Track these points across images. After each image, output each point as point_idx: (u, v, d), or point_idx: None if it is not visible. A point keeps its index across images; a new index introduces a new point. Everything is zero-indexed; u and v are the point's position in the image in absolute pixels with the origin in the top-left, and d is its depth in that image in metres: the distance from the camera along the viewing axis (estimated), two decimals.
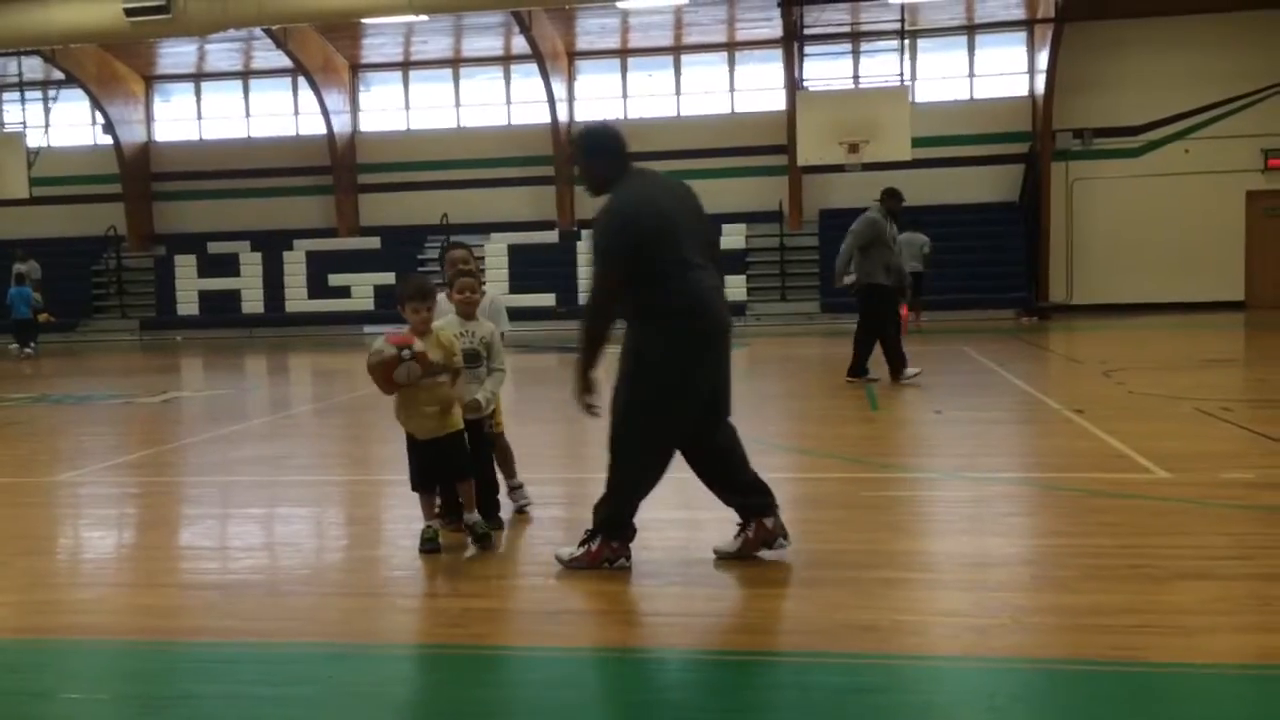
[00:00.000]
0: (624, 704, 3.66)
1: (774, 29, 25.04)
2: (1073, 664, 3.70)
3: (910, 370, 11.61)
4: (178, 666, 4.03)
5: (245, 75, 28.28)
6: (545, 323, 24.11)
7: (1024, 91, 25.17)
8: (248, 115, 28.51)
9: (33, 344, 20.54)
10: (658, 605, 4.57)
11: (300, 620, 4.43)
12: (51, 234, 27.66)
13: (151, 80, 28.69)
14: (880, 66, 24.08)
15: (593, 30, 25.88)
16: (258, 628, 4.34)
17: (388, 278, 25.37)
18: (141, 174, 28.46)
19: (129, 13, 20.50)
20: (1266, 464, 7.04)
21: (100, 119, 27.84)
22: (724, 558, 4.98)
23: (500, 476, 5.96)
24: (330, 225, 27.52)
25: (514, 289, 25.08)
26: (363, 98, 28.12)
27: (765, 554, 4.95)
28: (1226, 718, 3.44)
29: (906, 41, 23.23)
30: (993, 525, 5.76)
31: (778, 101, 25.65)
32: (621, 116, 26.64)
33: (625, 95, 26.86)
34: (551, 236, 26.21)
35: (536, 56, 25.29)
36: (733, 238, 24.36)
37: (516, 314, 25.54)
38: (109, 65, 27.24)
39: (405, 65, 27.61)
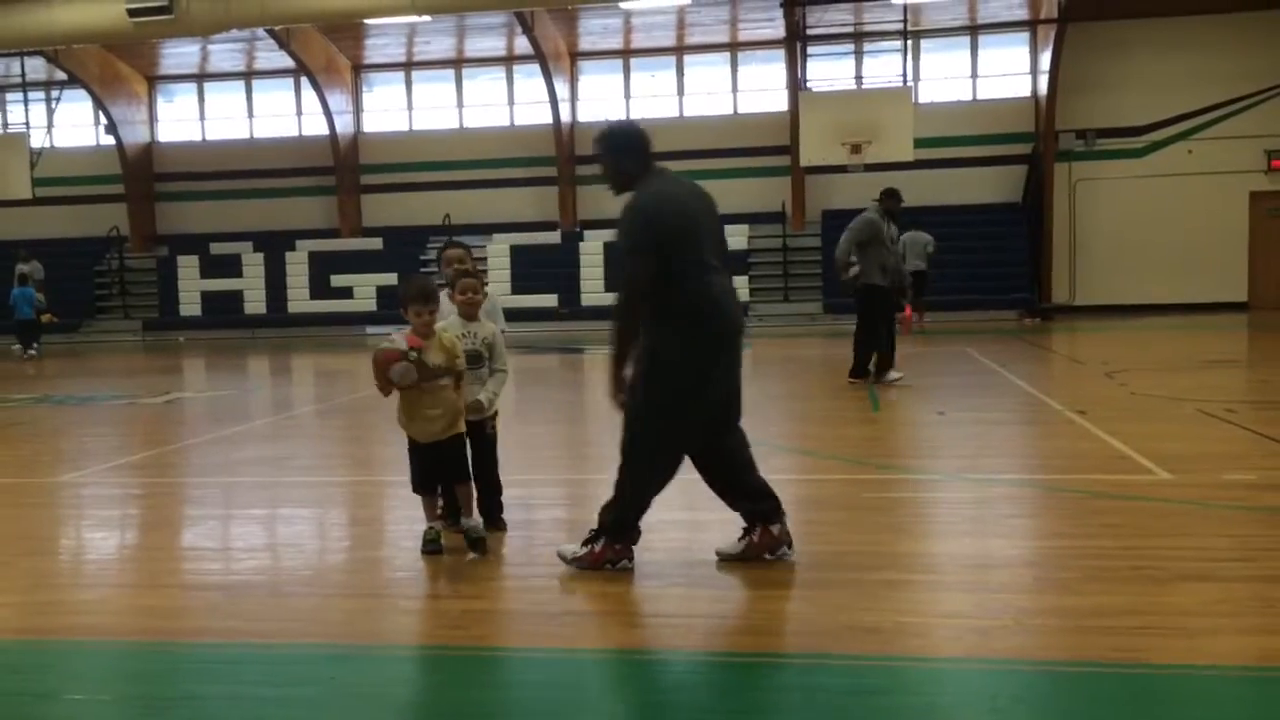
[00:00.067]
0: (626, 706, 3.66)
1: (776, 29, 25.05)
2: (1075, 666, 3.70)
3: (894, 373, 11.58)
4: (180, 667, 4.04)
5: (248, 76, 28.30)
6: (547, 323, 24.16)
7: (1027, 92, 25.17)
8: (250, 116, 28.54)
9: (35, 345, 20.55)
10: (660, 606, 4.57)
11: (303, 621, 4.43)
12: (54, 234, 27.70)
13: (154, 81, 28.72)
14: (883, 67, 24.08)
15: (595, 31, 25.89)
16: (260, 629, 4.35)
17: (390, 278, 25.39)
18: (144, 174, 28.49)
19: (132, 13, 20.53)
20: (1269, 465, 7.04)
21: (103, 119, 27.86)
22: (726, 559, 4.98)
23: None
24: (333, 226, 27.54)
25: (516, 290, 25.12)
26: (365, 98, 28.14)
27: (766, 556, 4.95)
28: (1228, 719, 3.45)
29: (909, 42, 23.23)
30: (995, 527, 5.76)
31: (780, 102, 25.66)
32: (624, 117, 26.65)
33: (628, 96, 26.87)
34: (554, 237, 26.22)
35: (539, 57, 25.30)
36: (735, 238, 24.33)
37: (519, 315, 25.76)
38: (112, 66, 27.27)
39: (408, 66, 27.63)
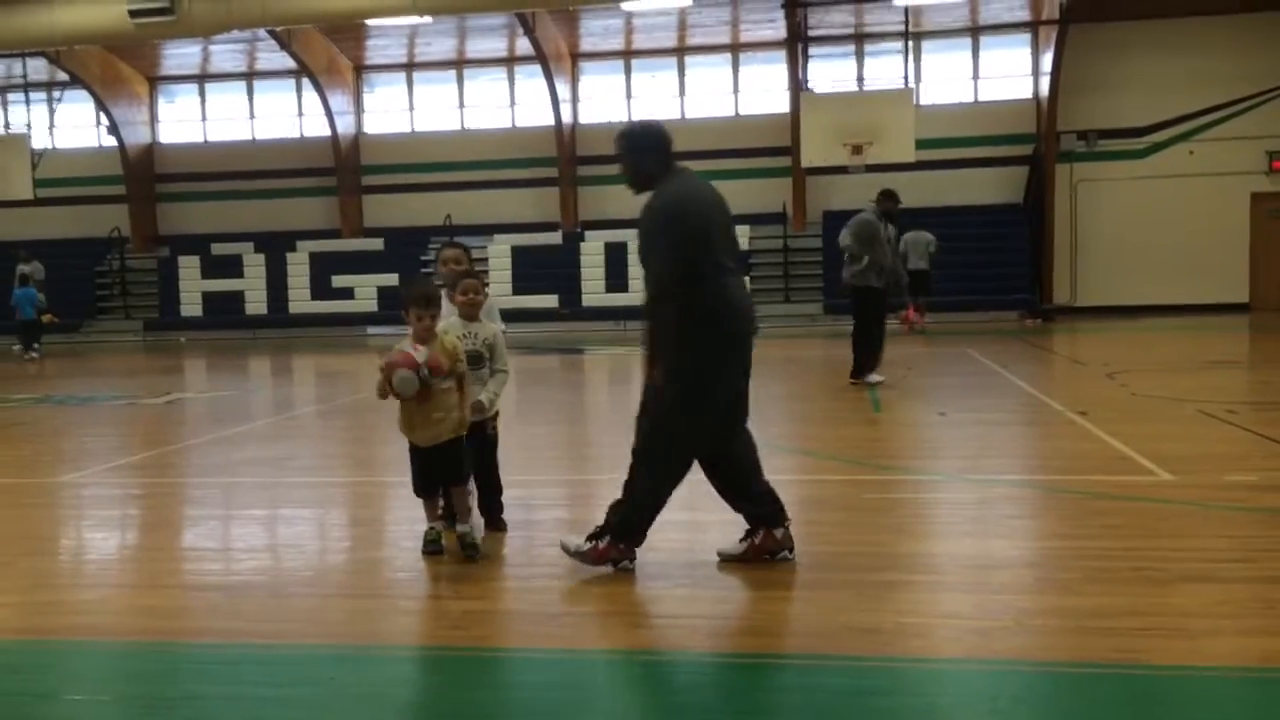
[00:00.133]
0: (626, 706, 3.66)
1: (778, 31, 25.05)
2: (1075, 666, 3.70)
3: (875, 376, 11.56)
4: (180, 667, 4.04)
5: (249, 76, 28.30)
6: (548, 324, 24.17)
7: (1028, 93, 25.16)
8: (252, 116, 28.54)
9: (37, 346, 20.55)
10: (660, 607, 4.57)
11: (303, 622, 4.43)
12: (55, 235, 27.70)
13: (155, 81, 28.73)
14: (884, 68, 24.08)
15: (596, 32, 25.89)
16: (260, 629, 4.35)
17: (391, 279, 25.40)
18: (145, 175, 28.50)
19: (133, 14, 20.53)
20: (1270, 466, 7.03)
21: (104, 120, 27.87)
22: (727, 560, 4.97)
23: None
24: (334, 226, 27.55)
25: (517, 290, 25.12)
26: (367, 99, 28.14)
27: (766, 558, 4.95)
28: None
29: (910, 43, 23.23)
30: (996, 527, 5.76)
31: (781, 103, 25.65)
32: (625, 118, 26.65)
33: (629, 97, 26.87)
34: (555, 238, 26.22)
35: (540, 58, 25.30)
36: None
37: (520, 316, 25.66)
38: (113, 66, 27.28)
39: (409, 67, 27.63)
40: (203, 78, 28.55)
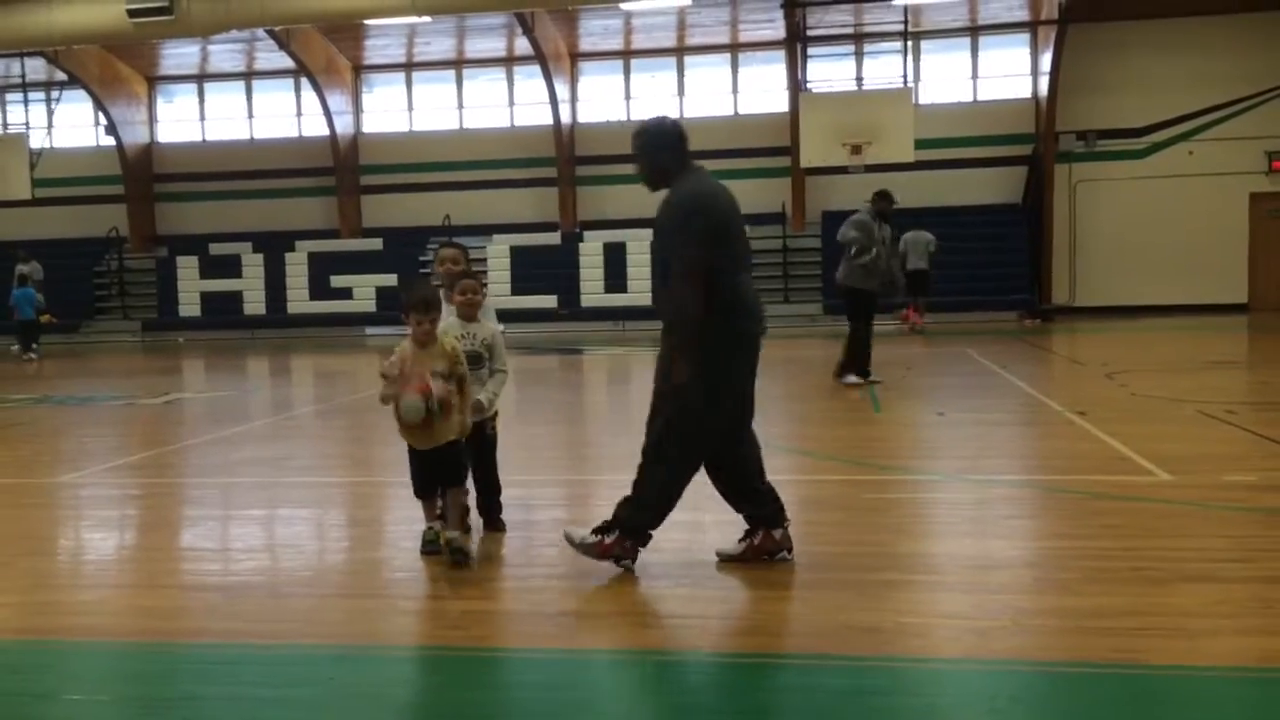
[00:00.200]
0: (626, 706, 3.66)
1: (777, 30, 25.05)
2: (1074, 666, 3.70)
3: (852, 378, 11.56)
4: (179, 668, 4.03)
5: (248, 76, 28.30)
6: (547, 324, 24.17)
7: (1027, 93, 25.17)
8: (250, 116, 28.54)
9: (35, 346, 20.54)
10: (660, 607, 4.57)
11: (302, 622, 4.43)
12: (54, 235, 27.69)
13: (154, 81, 28.73)
14: (883, 68, 24.08)
15: (596, 31, 25.89)
16: (259, 629, 4.34)
17: (390, 279, 25.41)
18: (144, 175, 28.50)
19: (132, 14, 20.53)
20: (1269, 466, 7.04)
21: (103, 120, 27.86)
22: (726, 560, 4.98)
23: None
24: (332, 226, 27.54)
25: (516, 290, 25.13)
26: (365, 99, 28.14)
27: (765, 558, 4.95)
28: None
29: (909, 43, 23.23)
30: (995, 527, 5.76)
31: (780, 103, 25.66)
32: (624, 118, 26.66)
33: (628, 97, 26.87)
34: (554, 238, 26.22)
35: (539, 58, 25.30)
36: None
37: (519, 316, 25.63)
38: (111, 66, 27.27)
39: (408, 66, 27.63)
40: (201, 77, 28.55)
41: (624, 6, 22.40)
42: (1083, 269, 24.66)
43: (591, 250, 25.45)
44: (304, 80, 26.85)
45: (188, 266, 26.96)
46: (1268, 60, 23.52)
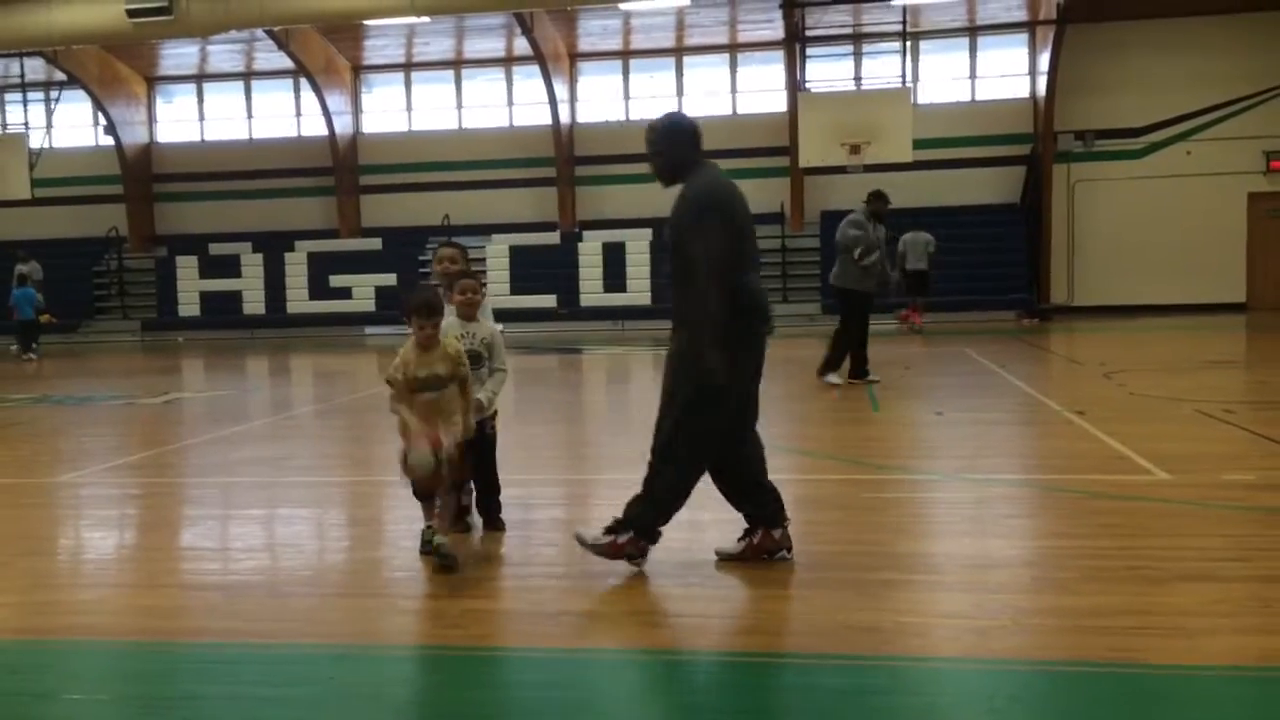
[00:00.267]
0: (625, 705, 3.66)
1: (776, 30, 25.05)
2: (1073, 665, 3.71)
3: (833, 378, 11.57)
4: (179, 667, 4.04)
5: (247, 76, 28.30)
6: (546, 324, 24.17)
7: (1025, 93, 25.18)
8: (249, 116, 28.53)
9: (35, 346, 20.54)
10: (659, 606, 4.58)
11: (301, 621, 4.44)
12: (53, 235, 27.68)
13: (153, 81, 28.72)
14: (882, 68, 24.08)
15: (595, 32, 25.89)
16: (259, 629, 4.35)
17: (389, 279, 25.43)
18: (143, 175, 28.48)
19: (131, 14, 20.53)
20: (1267, 466, 7.04)
21: (102, 120, 27.85)
22: (725, 559, 4.98)
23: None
24: (332, 226, 27.54)
25: (515, 290, 25.13)
26: (364, 99, 28.13)
27: (764, 558, 4.95)
28: (1226, 719, 3.45)
29: (908, 43, 23.23)
30: (993, 527, 5.77)
31: (779, 103, 25.67)
32: (623, 118, 26.68)
33: (627, 97, 26.87)
34: (553, 238, 26.22)
35: (538, 58, 25.30)
36: None
37: (518, 315, 25.61)
38: (111, 66, 27.26)
39: (407, 67, 27.63)
40: (200, 77, 28.54)
41: (623, 6, 22.40)
42: (1081, 269, 24.67)
43: (590, 250, 25.46)
44: (303, 80, 26.84)
45: (187, 266, 26.95)
46: (1266, 60, 23.53)
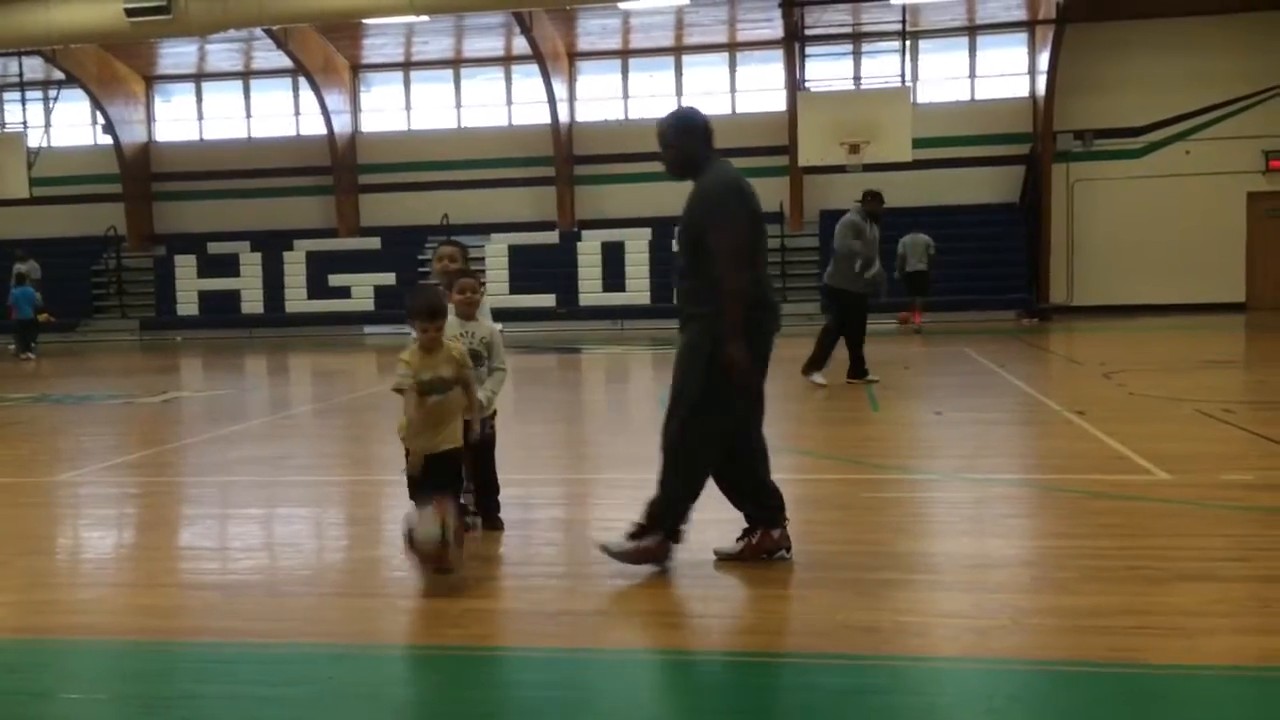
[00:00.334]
0: (624, 705, 3.65)
1: (775, 30, 25.05)
2: (1072, 665, 3.70)
3: (818, 377, 11.56)
4: (178, 667, 4.03)
5: (246, 75, 28.29)
6: (545, 323, 24.16)
7: (1025, 93, 25.18)
8: (248, 115, 28.53)
9: (33, 345, 20.52)
10: (658, 606, 4.57)
11: (300, 621, 4.43)
12: (52, 234, 27.67)
13: (152, 80, 28.70)
14: (881, 67, 24.08)
15: (594, 31, 25.89)
16: (258, 628, 4.34)
17: (388, 278, 25.43)
18: (142, 174, 28.47)
19: (129, 13, 20.51)
20: (1266, 465, 7.04)
21: (100, 119, 27.86)
22: (724, 559, 4.98)
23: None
24: (330, 225, 27.53)
25: (514, 290, 25.13)
26: (363, 98, 28.13)
27: (764, 557, 4.95)
28: (1225, 719, 3.44)
29: (907, 42, 23.23)
30: (993, 526, 5.76)
31: (779, 102, 25.67)
32: (622, 117, 26.67)
33: (626, 96, 26.87)
34: (552, 237, 26.22)
35: (537, 57, 25.30)
36: None
37: (517, 315, 25.61)
38: (109, 65, 27.25)
39: (406, 66, 27.62)
40: (199, 76, 28.53)
41: (622, 6, 22.39)
42: (1080, 268, 24.68)
43: (589, 249, 25.46)
44: (302, 79, 26.83)
45: (186, 265, 26.95)
46: (1265, 60, 23.54)
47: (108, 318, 27.39)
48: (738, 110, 26.25)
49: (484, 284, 5.92)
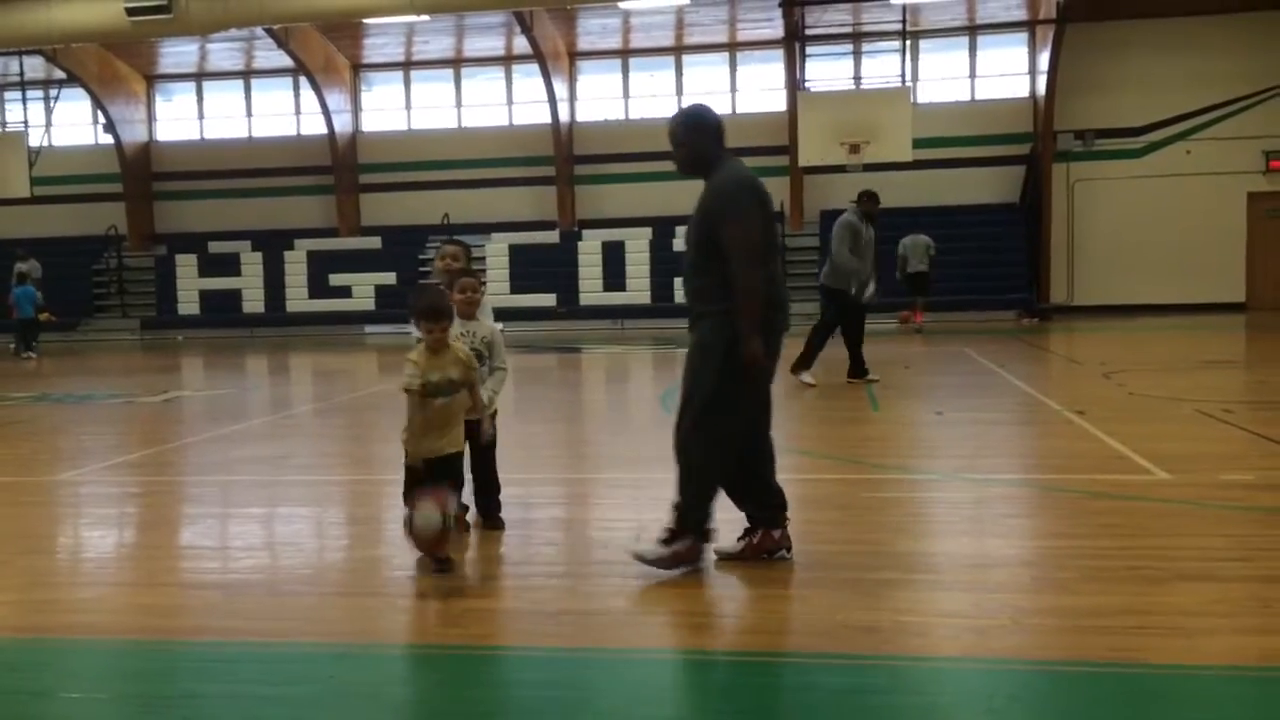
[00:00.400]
0: (624, 705, 3.66)
1: (775, 29, 25.05)
2: (1072, 665, 3.70)
3: (807, 376, 11.57)
4: (178, 666, 4.03)
5: (246, 75, 28.29)
6: (546, 323, 24.17)
7: (1025, 92, 25.18)
8: (249, 115, 28.53)
9: (34, 344, 20.52)
10: (658, 605, 4.57)
11: (301, 620, 4.43)
12: (52, 233, 27.68)
13: (153, 80, 28.71)
14: (881, 67, 24.09)
15: (594, 30, 25.89)
16: (258, 627, 4.34)
17: (389, 278, 25.44)
18: (142, 173, 28.48)
19: (130, 12, 20.52)
20: (1266, 465, 7.04)
21: (101, 118, 27.86)
22: (725, 558, 4.98)
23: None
24: (331, 225, 27.54)
25: (515, 289, 25.14)
26: (364, 97, 28.13)
27: (764, 557, 4.95)
28: (1225, 719, 3.45)
29: (908, 42, 23.24)
30: (993, 526, 5.77)
31: (779, 102, 25.67)
32: (623, 117, 26.68)
33: (626, 95, 26.88)
34: (552, 237, 26.23)
35: (538, 56, 25.30)
36: None
37: (517, 314, 25.62)
38: (110, 64, 27.26)
39: (407, 65, 27.63)
40: (200, 76, 28.54)
41: (622, 5, 22.40)
42: (1080, 268, 24.68)
43: (590, 249, 25.46)
44: (303, 79, 26.84)
45: (186, 265, 26.96)
46: (1265, 60, 23.54)
47: (108, 317, 27.39)
48: (738, 110, 26.23)
49: (485, 283, 5.92)
